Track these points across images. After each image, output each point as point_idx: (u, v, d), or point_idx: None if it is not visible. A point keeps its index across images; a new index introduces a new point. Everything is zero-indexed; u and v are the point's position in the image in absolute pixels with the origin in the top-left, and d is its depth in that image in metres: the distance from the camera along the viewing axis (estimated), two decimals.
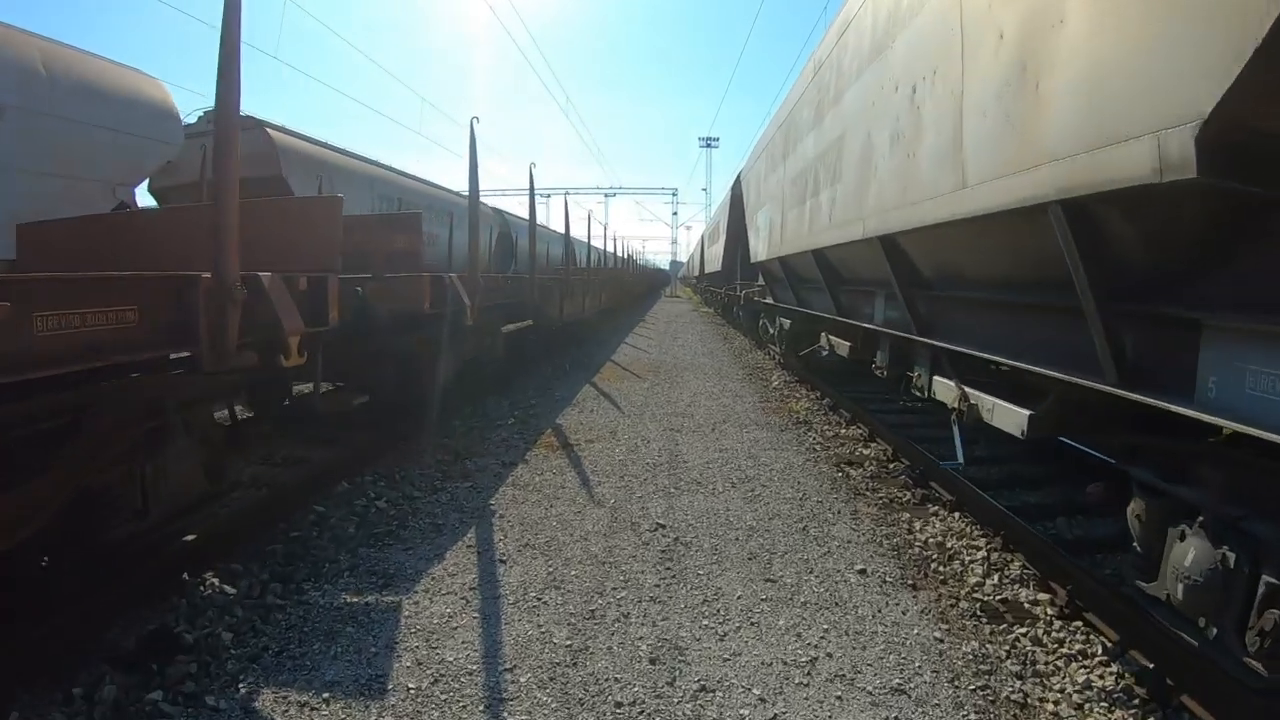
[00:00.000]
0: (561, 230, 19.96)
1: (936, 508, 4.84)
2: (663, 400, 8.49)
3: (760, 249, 10.16)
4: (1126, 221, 2.33)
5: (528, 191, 9.41)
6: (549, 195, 62.00)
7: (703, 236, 33.47)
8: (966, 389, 3.65)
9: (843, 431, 7.20)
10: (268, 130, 12.41)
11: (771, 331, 11.91)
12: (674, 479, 5.28)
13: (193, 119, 12.41)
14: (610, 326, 19.67)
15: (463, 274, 6.24)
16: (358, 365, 6.01)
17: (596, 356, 12.86)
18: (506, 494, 4.93)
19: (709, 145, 67.53)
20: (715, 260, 21.56)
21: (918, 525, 4.50)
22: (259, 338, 3.54)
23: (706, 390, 9.33)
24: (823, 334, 7.28)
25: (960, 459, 3.86)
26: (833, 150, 5.78)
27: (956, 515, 4.66)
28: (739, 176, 15.88)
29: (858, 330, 6.22)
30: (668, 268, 79.57)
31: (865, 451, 6.34)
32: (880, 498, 4.99)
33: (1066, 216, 2.41)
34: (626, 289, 27.02)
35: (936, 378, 4.27)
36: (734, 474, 5.44)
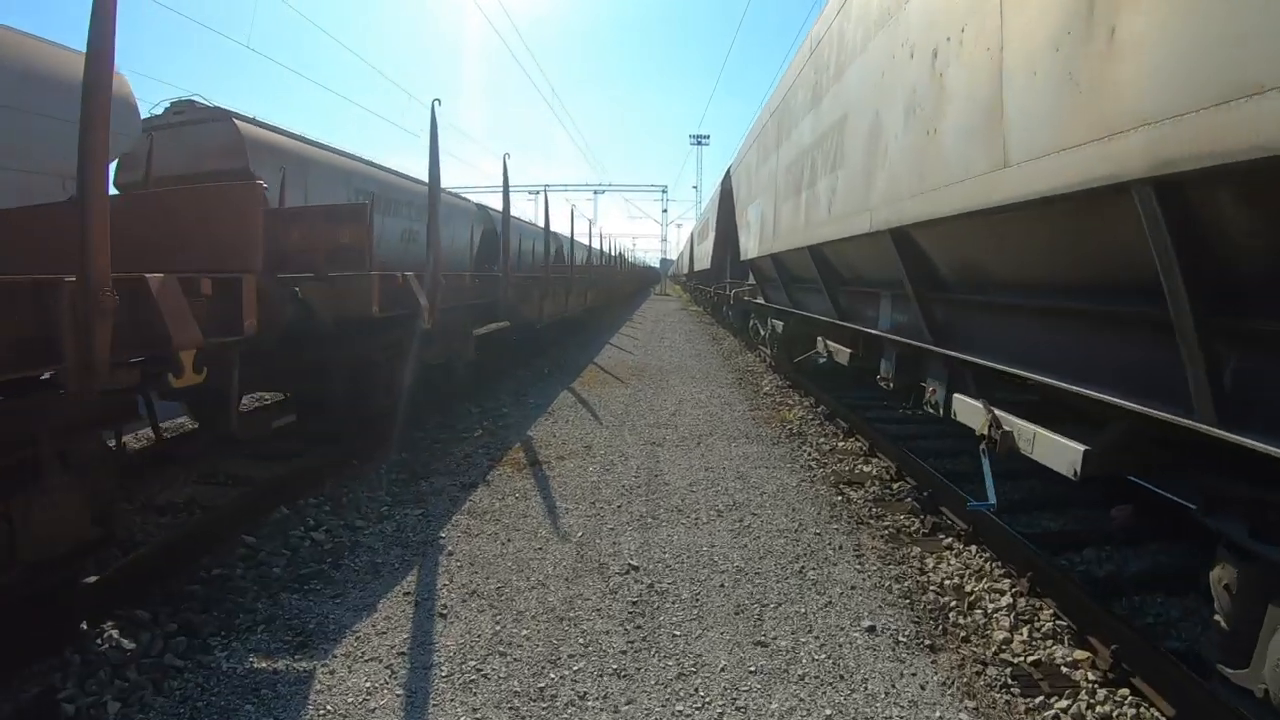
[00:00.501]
0: (555, 230, 19.33)
1: (950, 539, 4.25)
2: (645, 408, 7.87)
3: (751, 246, 9.57)
4: (1242, 207, 1.73)
5: (503, 186, 8.78)
6: (537, 192, 61.30)
7: (692, 234, 32.90)
8: (998, 412, 3.05)
9: (840, 444, 6.62)
10: (235, 121, 11.72)
11: (763, 333, 11.33)
12: (652, 505, 4.66)
13: (159, 110, 11.71)
14: (596, 326, 19.04)
15: (419, 272, 5.60)
16: (302, 377, 5.37)
17: (579, 358, 12.23)
18: (460, 524, 4.30)
19: (699, 143, 67.03)
20: (704, 258, 20.97)
21: (930, 563, 3.91)
22: (145, 351, 2.92)
23: (693, 396, 8.72)
24: (820, 338, 6.68)
25: (992, 498, 3.27)
26: (833, 134, 5.18)
27: (973, 549, 4.08)
28: (728, 171, 15.28)
29: (859, 336, 5.63)
30: (657, 265, 78.95)
31: (866, 469, 5.76)
32: (886, 527, 4.40)
33: (1160, 201, 1.81)
34: (614, 287, 26.39)
35: (957, 396, 3.67)
36: (720, 498, 4.83)
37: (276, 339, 4.01)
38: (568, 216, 15.81)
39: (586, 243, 24.87)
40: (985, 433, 3.02)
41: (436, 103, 5.64)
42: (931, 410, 4.30)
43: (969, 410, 3.45)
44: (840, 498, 4.97)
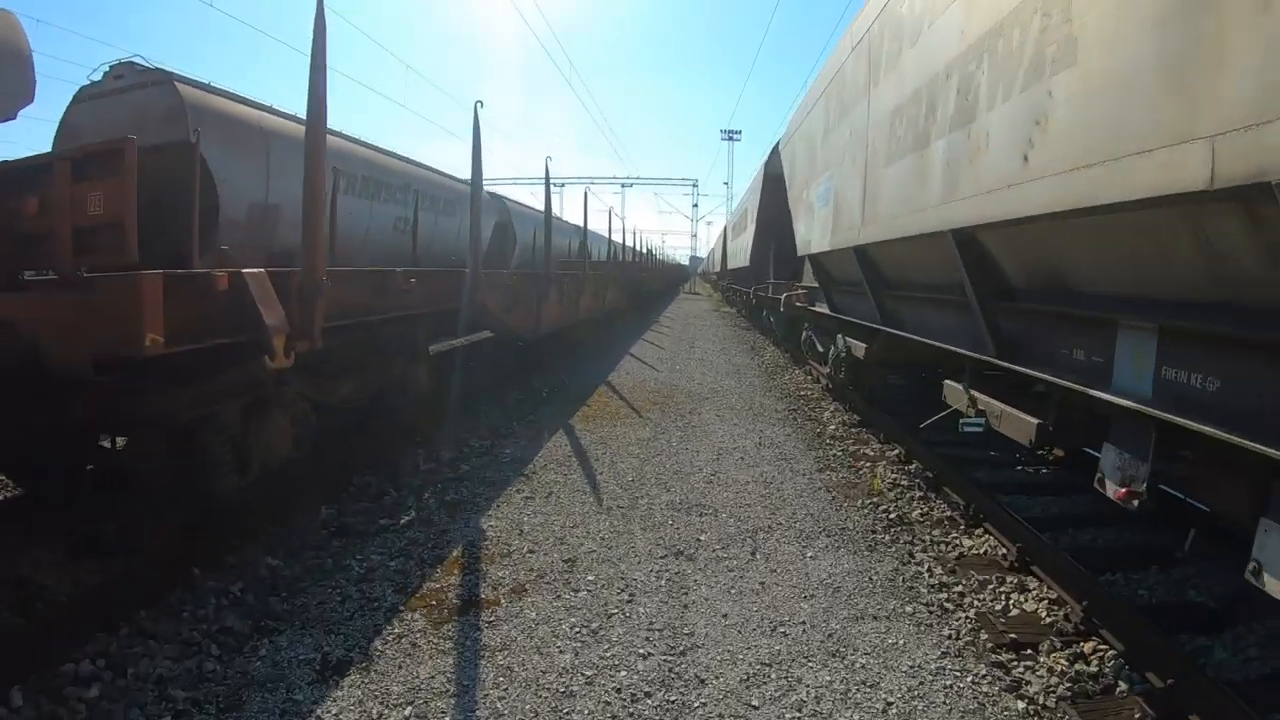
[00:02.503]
0: (575, 223, 17.02)
1: None
2: (669, 468, 5.50)
3: (815, 237, 7.15)
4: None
5: (474, 137, 6.49)
6: (563, 185, 59.14)
7: (725, 229, 30.34)
8: None
9: (968, 544, 4.21)
10: (176, 85, 9.55)
11: (819, 349, 8.87)
12: None
13: (98, 75, 9.65)
14: (616, 330, 16.72)
15: (275, 269, 3.32)
16: (62, 451, 3.12)
17: (589, 375, 9.90)
18: None
19: (731, 138, 64.40)
20: (741, 254, 18.49)
21: None
22: None
23: (735, 444, 6.32)
24: (962, 387, 4.19)
25: None
26: (1006, 31, 2.77)
27: None
28: (775, 149, 12.81)
29: (1063, 397, 3.19)
30: (687, 263, 76.44)
31: (1029, 606, 3.35)
32: None
33: None
34: (639, 286, 24.01)
35: None
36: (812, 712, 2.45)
37: None
38: (595, 209, 13.61)
39: (614, 238, 22.56)
40: None
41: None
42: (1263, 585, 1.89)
43: None
44: (1011, 688, 2.56)
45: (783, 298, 9.28)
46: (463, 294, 5.88)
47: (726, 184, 67.48)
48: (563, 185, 60.21)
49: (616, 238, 21.70)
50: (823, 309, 8.08)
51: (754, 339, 16.55)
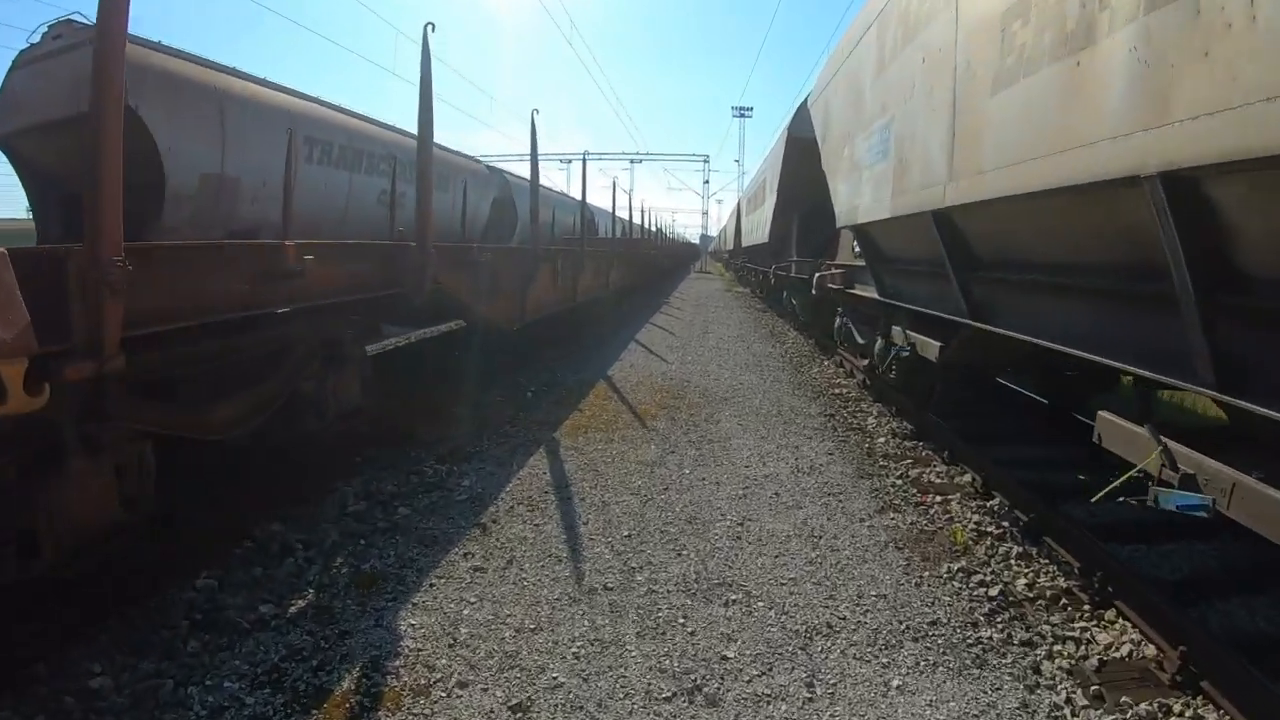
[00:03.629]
0: (580, 198, 15.63)
1: None
2: (679, 511, 4.12)
3: (863, 202, 5.69)
4: None
5: (423, 60, 5.05)
6: (569, 161, 57.44)
7: (738, 204, 28.69)
8: None
9: (1103, 639, 2.88)
10: None
11: (861, 341, 7.44)
12: None
13: (36, 36, 8.30)
14: (622, 313, 15.31)
15: (20, 249, 1.94)
16: None
17: (587, 368, 8.52)
18: None
19: (742, 115, 62.53)
20: (757, 230, 16.96)
21: None
22: None
23: (766, 468, 4.94)
24: (1148, 438, 2.74)
25: None
26: None
27: None
28: (800, 110, 11.26)
29: None
30: (697, 241, 74.69)
31: None
32: None
33: None
34: (648, 265, 22.54)
35: None
36: None
37: None
38: (603, 184, 12.25)
39: (620, 214, 21.14)
40: None
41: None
42: None
43: None
44: None
45: (813, 278, 7.84)
46: (408, 275, 4.50)
47: (738, 161, 65.46)
48: (569, 162, 58.49)
49: (623, 214, 20.27)
50: (867, 292, 6.63)
51: (773, 323, 15.09)
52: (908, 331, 5.33)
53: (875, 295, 6.31)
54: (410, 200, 16.62)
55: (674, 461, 4.97)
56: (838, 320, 8.47)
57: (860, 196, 5.82)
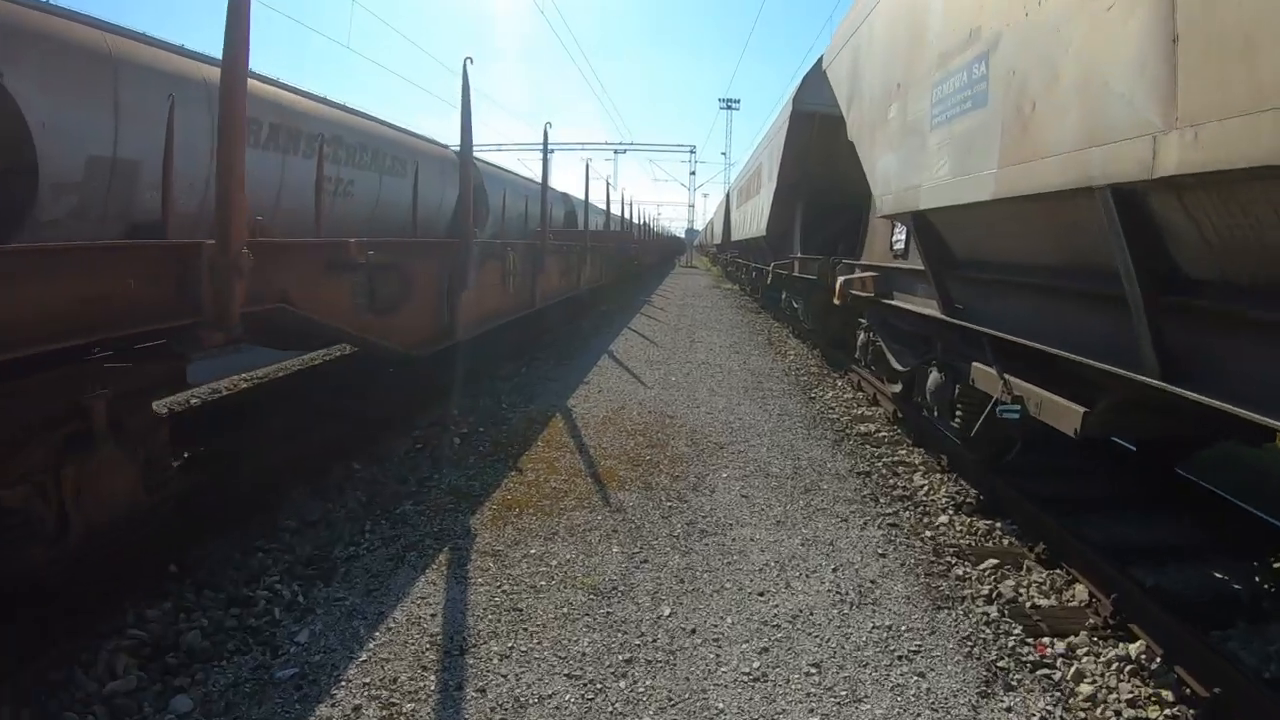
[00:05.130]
0: (566, 191, 13.84)
1: None
2: (649, 704, 2.31)
3: (926, 179, 3.88)
4: None
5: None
6: (553, 151, 55.31)
7: (727, 195, 26.84)
8: None
9: None
10: None
11: (900, 367, 5.64)
12: None
13: None
14: (599, 312, 13.46)
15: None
16: None
17: (543, 392, 6.66)
18: None
19: (729, 107, 60.77)
20: (751, 222, 15.13)
21: None
22: None
23: (792, 596, 3.12)
24: None
25: None
26: None
27: None
28: (810, 77, 9.46)
29: None
30: (683, 235, 72.93)
31: None
32: None
33: None
34: (628, 260, 20.67)
35: None
36: None
37: None
38: (581, 173, 10.49)
39: (593, 201, 19.26)
40: None
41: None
42: None
43: None
44: None
45: (837, 282, 6.01)
46: (206, 298, 2.63)
47: (724, 154, 63.79)
48: (553, 151, 56.35)
49: (601, 203, 18.41)
50: (916, 306, 4.84)
51: (767, 325, 13.30)
52: (1008, 377, 3.50)
53: (934, 312, 4.51)
54: (360, 188, 14.46)
55: (647, 586, 3.13)
56: (862, 335, 6.67)
57: (922, 171, 4.01)
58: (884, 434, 5.99)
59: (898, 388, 6.55)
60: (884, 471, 4.98)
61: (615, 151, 55.83)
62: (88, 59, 7.55)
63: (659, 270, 35.59)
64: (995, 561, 3.65)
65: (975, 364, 3.92)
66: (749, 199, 15.85)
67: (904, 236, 5.21)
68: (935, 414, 4.87)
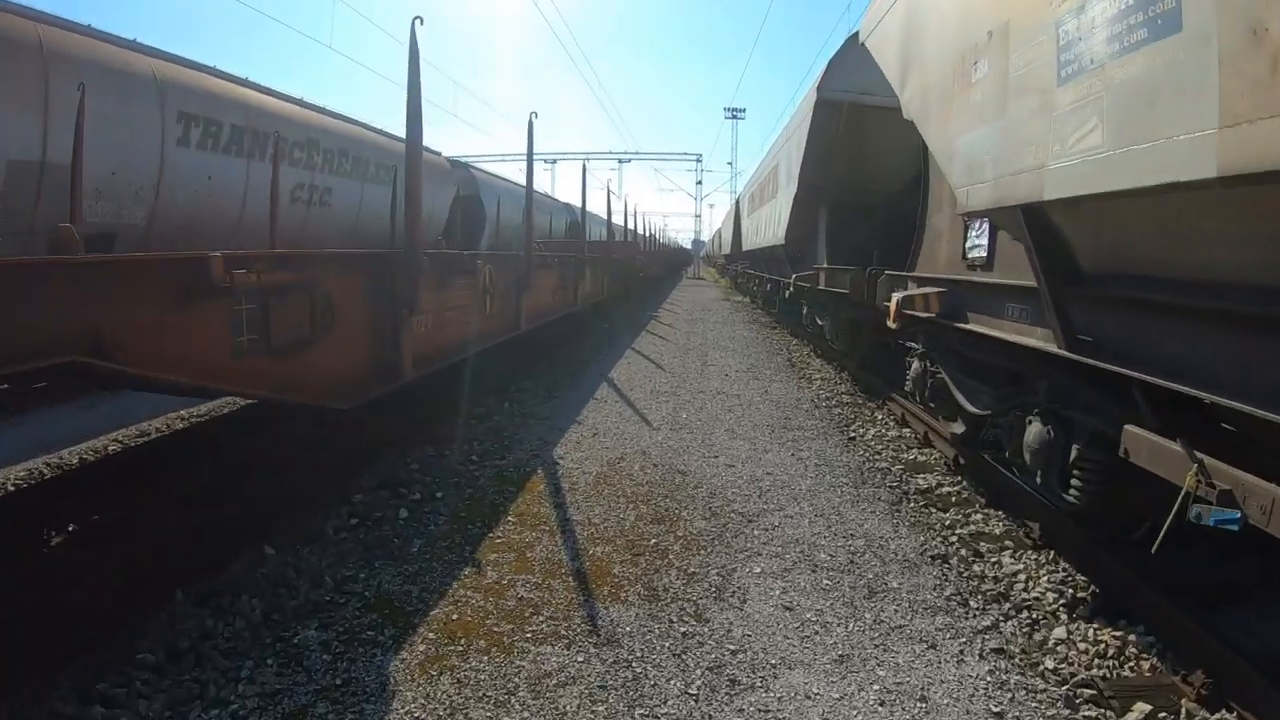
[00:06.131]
0: (569, 202, 12.78)
1: None
2: None
3: (1052, 160, 2.69)
4: None
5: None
6: (555, 160, 54.39)
7: (736, 203, 25.62)
8: None
9: None
10: None
11: (972, 407, 4.37)
12: None
13: None
14: (603, 329, 12.24)
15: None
16: None
17: (524, 438, 5.44)
18: None
19: (735, 116, 59.93)
20: (766, 229, 13.92)
21: None
22: None
23: None
24: None
25: None
26: None
27: None
28: (846, 50, 8.27)
29: None
30: (689, 246, 71.94)
31: None
32: None
33: None
34: (635, 272, 19.49)
35: None
36: None
37: None
38: (591, 185, 9.40)
39: (606, 216, 18.11)
40: None
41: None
42: None
43: None
44: None
45: (891, 300, 4.75)
46: None
47: (730, 164, 62.73)
48: (555, 161, 55.32)
49: (606, 213, 17.34)
50: (1015, 334, 3.59)
51: (785, 343, 12.06)
52: (1205, 459, 2.23)
53: (1039, 344, 3.27)
54: (339, 197, 13.27)
55: None
56: (916, 364, 5.41)
57: (1040, 147, 2.77)
58: (948, 489, 4.75)
59: (959, 427, 5.31)
60: (964, 553, 3.74)
61: (620, 161, 54.87)
62: (12, 51, 6.63)
63: (666, 282, 34.44)
64: (1147, 709, 2.44)
65: (1132, 429, 2.67)
66: (763, 204, 14.63)
67: (985, 241, 3.98)
68: (1039, 482, 3.61)
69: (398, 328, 4.08)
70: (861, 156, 8.55)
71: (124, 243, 8.00)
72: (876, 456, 5.44)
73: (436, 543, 3.61)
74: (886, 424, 6.51)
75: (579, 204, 11.44)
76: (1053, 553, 3.80)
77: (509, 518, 3.93)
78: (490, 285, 5.85)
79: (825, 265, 8.71)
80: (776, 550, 3.61)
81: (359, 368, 3.85)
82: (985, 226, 3.98)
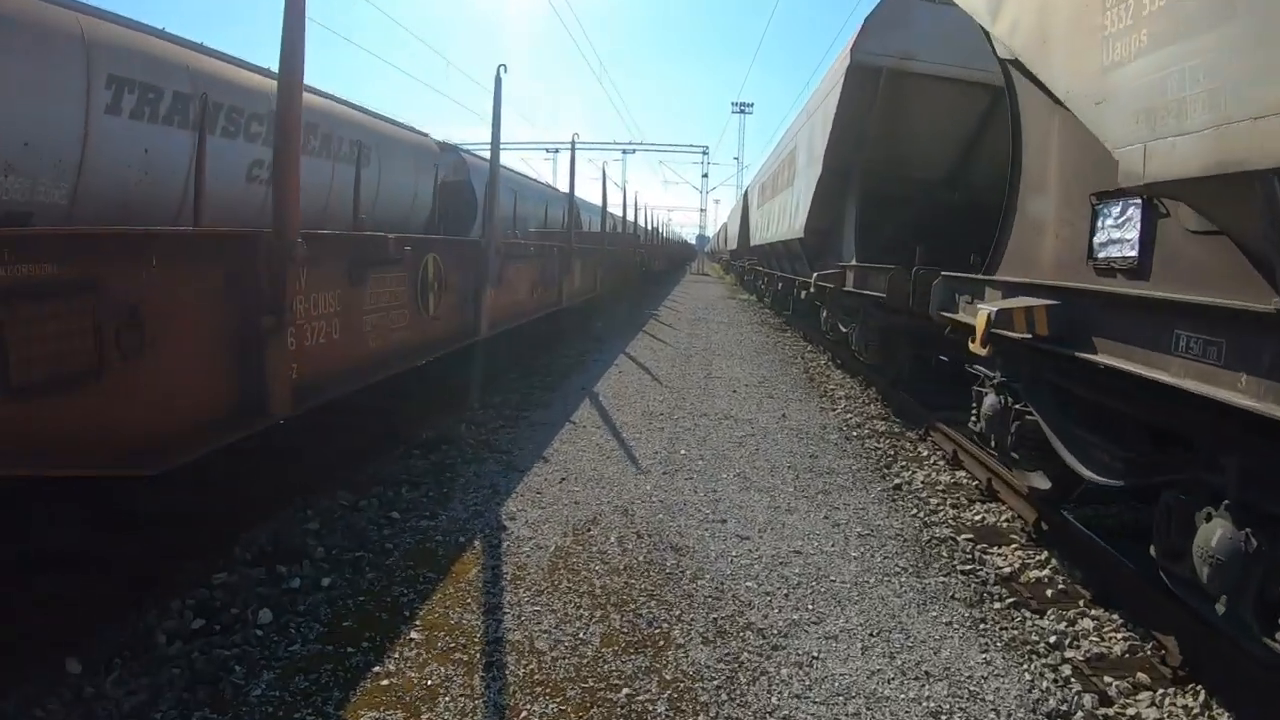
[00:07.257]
0: (569, 190, 11.60)
1: None
2: None
3: None
4: None
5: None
6: (557, 150, 52.90)
7: (745, 194, 24.20)
8: None
9: None
10: None
11: (1093, 479, 3.02)
12: None
13: None
14: (592, 329, 10.91)
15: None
16: None
17: (478, 473, 4.12)
18: None
19: (742, 110, 58.59)
20: (780, 221, 12.54)
21: None
22: None
23: None
24: None
25: None
26: None
27: None
28: (877, 17, 6.92)
29: None
30: (694, 241, 70.55)
31: None
32: None
33: None
34: (635, 265, 18.14)
35: None
36: None
37: None
38: (592, 175, 8.10)
39: (612, 208, 16.73)
40: None
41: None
42: None
43: None
44: None
45: (978, 317, 3.39)
46: None
47: (737, 159, 61.16)
48: (556, 151, 53.77)
49: (612, 205, 16.02)
50: (1183, 378, 2.27)
51: (799, 350, 10.72)
52: None
53: (1266, 407, 1.94)
54: (306, 177, 12.07)
55: None
56: (991, 397, 4.04)
57: None
58: (1036, 573, 3.45)
59: (1043, 482, 4.01)
60: (1087, 702, 2.44)
61: (624, 152, 53.33)
62: None
63: (669, 278, 33.07)
64: None
65: None
66: (777, 194, 13.26)
67: (1135, 233, 2.65)
68: (1223, 612, 2.29)
69: (261, 343, 2.76)
70: (901, 134, 7.21)
71: (43, 223, 6.76)
72: (933, 517, 4.13)
73: (290, 682, 2.30)
74: (935, 464, 5.19)
75: (590, 199, 10.13)
76: (1202, 692, 2.53)
77: (413, 634, 2.61)
78: (434, 280, 4.53)
79: (855, 263, 7.37)
80: (818, 710, 2.29)
81: (193, 406, 2.54)
82: (1135, 212, 2.65)
